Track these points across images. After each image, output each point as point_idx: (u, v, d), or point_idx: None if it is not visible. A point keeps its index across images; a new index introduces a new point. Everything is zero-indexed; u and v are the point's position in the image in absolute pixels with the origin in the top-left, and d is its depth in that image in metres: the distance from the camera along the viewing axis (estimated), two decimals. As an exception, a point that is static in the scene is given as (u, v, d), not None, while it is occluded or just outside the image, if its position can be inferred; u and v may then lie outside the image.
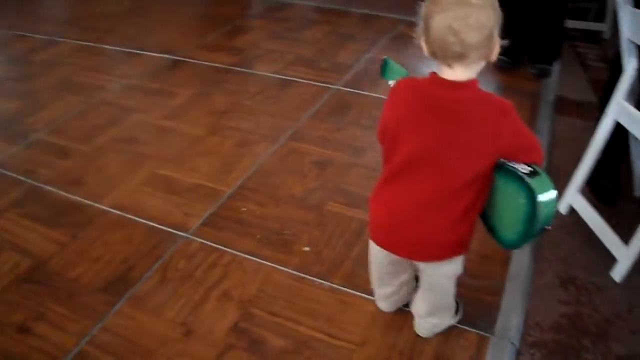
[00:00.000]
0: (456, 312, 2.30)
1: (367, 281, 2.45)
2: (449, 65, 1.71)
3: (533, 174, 1.73)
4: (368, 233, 2.13)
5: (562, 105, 4.00)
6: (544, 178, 1.74)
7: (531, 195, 1.70)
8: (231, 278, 2.63)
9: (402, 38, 5.06)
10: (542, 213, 1.71)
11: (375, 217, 2.01)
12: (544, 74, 4.30)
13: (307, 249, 2.77)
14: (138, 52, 4.96)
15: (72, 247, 2.87)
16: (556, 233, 2.85)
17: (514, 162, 1.76)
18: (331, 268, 2.65)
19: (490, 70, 4.37)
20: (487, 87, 3.88)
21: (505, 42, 1.81)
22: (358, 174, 3.26)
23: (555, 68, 4.43)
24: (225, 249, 2.79)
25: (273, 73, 4.45)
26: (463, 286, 2.42)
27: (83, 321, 2.47)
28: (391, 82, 2.01)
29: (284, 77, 4.38)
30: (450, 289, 2.13)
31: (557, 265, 2.69)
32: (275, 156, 3.41)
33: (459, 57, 1.67)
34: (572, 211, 2.94)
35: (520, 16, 4.18)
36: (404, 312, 2.39)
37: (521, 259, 2.68)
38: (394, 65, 2.22)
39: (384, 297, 2.33)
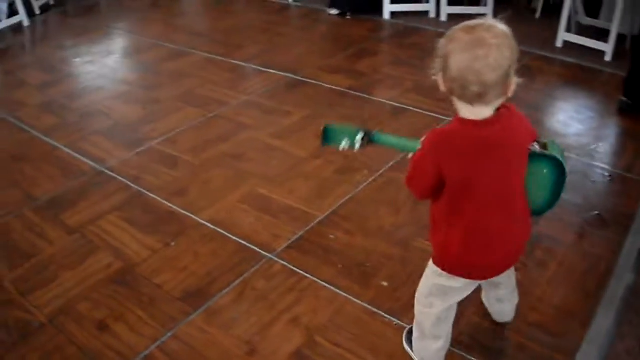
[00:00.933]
0: None
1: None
2: (470, 104, 1.76)
3: (544, 146, 1.92)
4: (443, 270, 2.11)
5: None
6: (550, 143, 1.94)
7: (553, 160, 1.91)
8: (304, 304, 2.67)
9: (528, 71, 4.96)
10: (565, 164, 1.92)
11: (474, 261, 2.04)
12: None
13: (385, 283, 2.77)
14: (263, 69, 5.08)
15: (163, 254, 3.00)
16: (649, 295, 2.70)
17: None
18: (405, 306, 2.63)
19: (613, 113, 4.25)
20: (610, 129, 3.84)
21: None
22: (453, 212, 3.20)
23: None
24: (305, 274, 2.83)
25: (388, 100, 4.46)
26: (537, 343, 2.40)
27: (158, 327, 2.58)
28: (343, 146, 2.22)
29: (398, 104, 4.39)
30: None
31: (640, 330, 2.54)
32: (373, 185, 3.42)
33: (478, 96, 1.72)
34: (672, 271, 2.78)
35: None
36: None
37: (603, 320, 2.57)
38: (336, 128, 2.25)
39: (443, 347, 2.30)
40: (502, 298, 2.42)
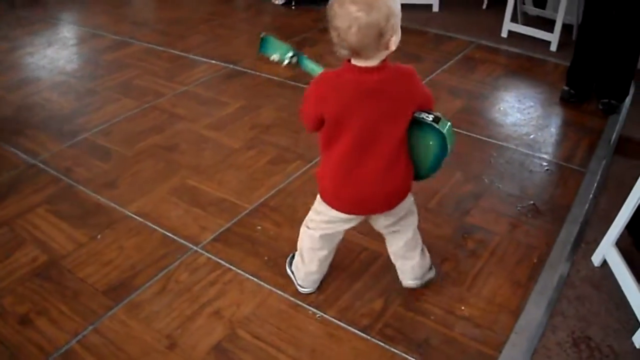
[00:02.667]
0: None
1: (362, 316, 2.51)
2: (353, 57, 2.06)
3: (436, 119, 2.18)
4: (325, 202, 2.36)
5: (624, 146, 3.84)
6: (443, 119, 2.19)
7: (440, 135, 2.18)
8: (227, 297, 2.65)
9: (471, 61, 4.98)
10: (450, 144, 2.20)
11: (346, 194, 2.28)
12: (611, 111, 4.17)
13: (310, 275, 2.74)
14: (203, 59, 5.05)
15: (89, 247, 2.97)
16: (581, 285, 2.74)
17: (418, 113, 2.18)
18: (329, 298, 2.64)
19: (555, 103, 4.30)
20: (550, 119, 3.87)
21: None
22: (384, 203, 3.19)
23: (625, 106, 4.29)
24: (229, 266, 2.82)
25: (327, 90, 4.41)
26: (465, 335, 2.41)
27: (80, 321, 2.56)
28: (274, 57, 2.54)
29: (338, 94, 4.33)
30: (415, 221, 2.52)
31: (573, 322, 2.54)
32: (304, 176, 3.41)
33: (356, 54, 2.03)
34: (605, 264, 2.82)
35: (592, 50, 4.13)
36: (389, 353, 2.37)
37: (534, 310, 2.59)
38: (274, 41, 2.53)
39: (318, 274, 2.62)
40: (401, 254, 2.58)
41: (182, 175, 3.45)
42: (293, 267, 2.69)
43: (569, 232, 3.05)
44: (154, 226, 3.08)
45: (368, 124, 2.12)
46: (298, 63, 2.50)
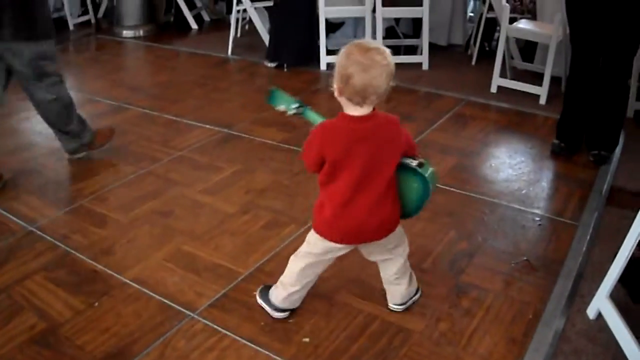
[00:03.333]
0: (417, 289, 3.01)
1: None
2: (360, 105, 2.37)
3: (420, 164, 2.54)
4: (318, 233, 2.65)
5: (616, 196, 3.92)
6: (426, 165, 2.56)
7: (424, 179, 2.54)
8: (224, 363, 2.64)
9: (461, 118, 5.04)
10: (432, 187, 2.55)
11: (342, 224, 2.59)
12: (602, 161, 4.23)
13: (306, 340, 2.78)
14: (197, 124, 5.10)
15: (87, 315, 2.98)
16: (577, 339, 2.77)
17: (404, 158, 2.54)
18: (325, 361, 2.63)
19: (546, 157, 4.36)
20: (542, 173, 3.96)
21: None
22: (379, 264, 3.22)
23: (616, 156, 4.35)
24: (226, 332, 2.83)
25: (320, 153, 4.45)
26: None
27: (76, 391, 2.51)
28: (280, 108, 2.87)
29: (329, 156, 4.37)
30: (406, 251, 2.85)
31: (570, 376, 2.53)
32: (299, 240, 3.39)
33: (372, 102, 2.36)
34: (600, 316, 2.84)
35: (581, 102, 4.20)
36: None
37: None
38: (281, 94, 2.89)
39: (300, 293, 2.86)
40: (392, 280, 2.88)
41: (178, 241, 3.47)
42: (270, 296, 2.89)
43: (563, 286, 3.08)
44: (151, 293, 3.10)
45: (362, 165, 2.44)
46: (302, 113, 2.81)
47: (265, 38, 6.79)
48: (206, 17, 8.71)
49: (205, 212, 3.77)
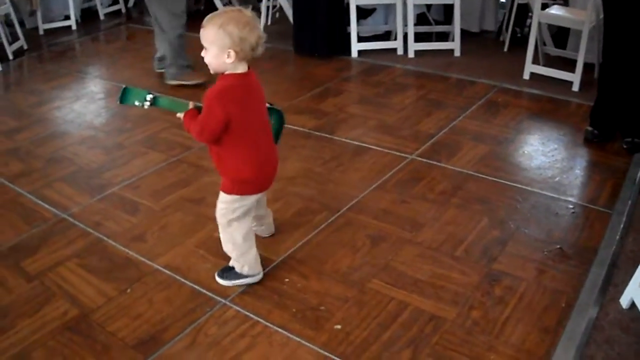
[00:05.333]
0: None
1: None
2: (248, 60, 2.67)
3: (270, 104, 2.92)
4: (239, 191, 2.84)
5: (650, 185, 3.82)
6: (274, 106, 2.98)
7: (279, 112, 3.03)
8: (256, 350, 2.67)
9: (494, 105, 4.99)
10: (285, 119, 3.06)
11: (263, 174, 2.88)
12: (636, 149, 4.16)
13: (338, 327, 2.77)
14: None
15: (119, 301, 3.00)
16: (610, 328, 2.72)
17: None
18: (357, 350, 2.65)
19: (579, 144, 4.34)
20: (575, 160, 4.07)
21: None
22: (411, 252, 3.24)
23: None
24: (258, 319, 2.84)
25: (351, 139, 4.48)
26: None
27: (109, 376, 2.54)
28: (135, 104, 2.90)
29: (361, 143, 4.41)
30: None
31: (604, 366, 2.51)
32: (330, 227, 3.43)
33: (256, 53, 2.66)
34: (633, 306, 2.80)
35: (615, 88, 4.14)
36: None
37: (563, 357, 2.58)
38: (133, 90, 2.90)
39: (256, 252, 3.05)
40: (264, 215, 3.28)
41: (210, 228, 3.46)
42: (238, 269, 3.02)
43: (596, 275, 3.04)
44: (183, 280, 3.11)
45: (259, 115, 2.77)
46: (156, 103, 2.91)
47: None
48: (236, 5, 8.68)
49: (236, 199, 3.73)
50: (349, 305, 2.89)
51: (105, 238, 3.46)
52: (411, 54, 6.15)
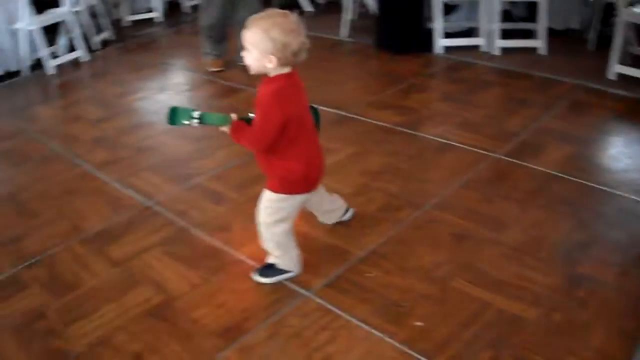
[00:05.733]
0: None
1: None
2: (292, 64, 2.65)
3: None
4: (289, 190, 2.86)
5: None
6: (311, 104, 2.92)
7: (315, 109, 3.02)
8: (338, 343, 2.69)
9: (578, 105, 4.91)
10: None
11: (314, 174, 2.90)
12: None
13: (419, 323, 2.77)
14: (312, 105, 5.08)
15: (203, 289, 3.07)
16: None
17: None
18: (438, 348, 2.64)
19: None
20: None
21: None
22: (494, 252, 3.21)
23: None
24: (340, 312, 2.85)
25: (435, 136, 4.45)
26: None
27: (191, 361, 2.61)
28: (185, 123, 2.76)
29: (445, 140, 4.37)
30: None
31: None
32: (414, 223, 3.42)
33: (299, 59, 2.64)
34: None
35: None
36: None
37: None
38: (180, 109, 2.77)
39: (298, 252, 3.08)
40: (333, 209, 3.38)
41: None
42: (281, 266, 3.06)
43: (680, 278, 2.94)
44: (265, 270, 3.12)
45: (306, 112, 2.80)
46: (203, 120, 2.78)
47: (380, 21, 6.76)
48: (320, 0, 8.71)
49: (320, 193, 3.75)
50: (431, 303, 2.88)
51: (190, 227, 3.52)
52: (496, 51, 6.07)
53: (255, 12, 4.92)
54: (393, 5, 6.20)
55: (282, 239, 2.96)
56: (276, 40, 2.53)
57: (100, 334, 2.85)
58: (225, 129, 2.79)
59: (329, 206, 3.34)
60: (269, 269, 3.05)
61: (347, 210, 3.45)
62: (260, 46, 2.56)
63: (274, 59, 2.57)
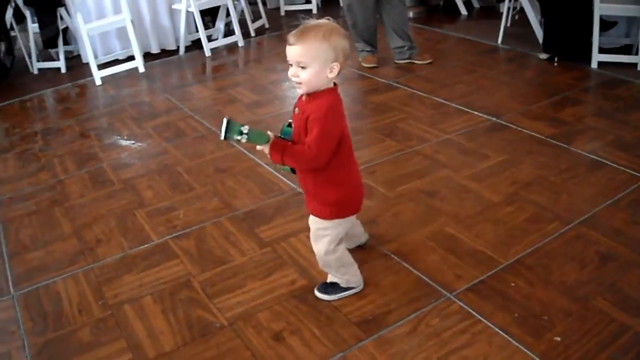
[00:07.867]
0: None
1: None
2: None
3: None
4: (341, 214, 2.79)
5: None
6: None
7: None
8: (475, 348, 2.72)
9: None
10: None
11: (359, 195, 2.83)
12: None
13: (558, 339, 2.76)
14: (465, 109, 5.13)
15: (346, 279, 3.11)
16: None
17: None
18: (577, 362, 2.61)
19: None
20: None
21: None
22: (639, 275, 3.14)
23: None
24: (480, 318, 2.88)
25: (587, 152, 4.36)
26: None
27: (330, 346, 2.75)
28: (237, 139, 2.54)
29: (596, 157, 4.27)
30: None
31: None
32: (561, 238, 3.40)
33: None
34: None
35: None
36: None
37: None
38: (233, 123, 2.54)
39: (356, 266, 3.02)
40: (357, 227, 3.22)
41: (441, 222, 3.55)
42: (344, 285, 3.01)
43: None
44: (410, 268, 3.21)
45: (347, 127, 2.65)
46: (250, 137, 2.55)
47: (537, 29, 6.67)
48: (476, 4, 8.66)
49: (470, 198, 3.81)
50: (571, 320, 2.86)
51: (339, 217, 3.59)
52: (655, 72, 5.90)
53: (401, 10, 5.13)
54: (560, 13, 6.08)
55: (344, 258, 2.94)
56: (337, 47, 2.45)
57: (243, 310, 3.00)
58: (264, 147, 2.59)
59: (358, 230, 3.27)
60: (331, 287, 3.04)
61: (366, 237, 3.39)
62: (322, 57, 2.43)
63: (336, 67, 2.48)
